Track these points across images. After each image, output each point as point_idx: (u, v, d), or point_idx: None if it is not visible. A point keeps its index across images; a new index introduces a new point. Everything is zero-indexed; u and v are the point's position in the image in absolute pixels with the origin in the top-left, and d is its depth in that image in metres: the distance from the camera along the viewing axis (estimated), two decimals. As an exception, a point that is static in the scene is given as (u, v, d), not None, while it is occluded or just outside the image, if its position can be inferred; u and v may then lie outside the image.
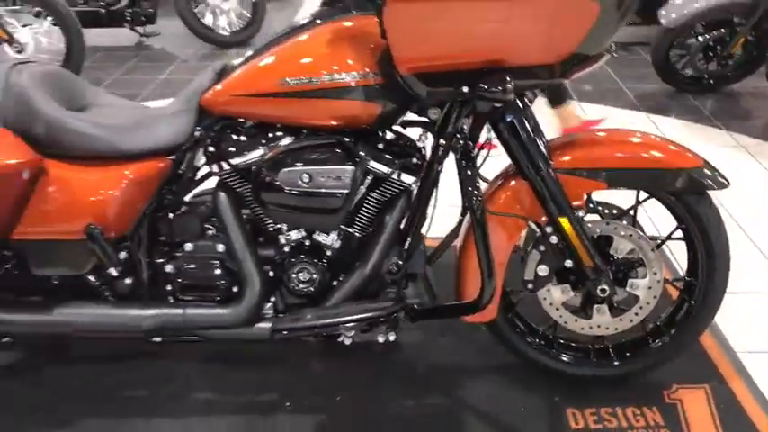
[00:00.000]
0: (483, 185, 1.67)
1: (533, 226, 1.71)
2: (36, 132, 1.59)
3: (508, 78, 1.45)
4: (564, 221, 1.62)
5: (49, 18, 3.94)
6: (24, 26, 3.94)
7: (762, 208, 2.72)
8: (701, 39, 3.75)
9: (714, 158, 2.12)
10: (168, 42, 5.23)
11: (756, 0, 3.49)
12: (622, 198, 1.75)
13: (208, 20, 4.97)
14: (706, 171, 1.65)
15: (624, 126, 3.26)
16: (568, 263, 1.69)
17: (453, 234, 1.81)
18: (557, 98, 3.01)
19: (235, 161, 1.62)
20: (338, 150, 1.59)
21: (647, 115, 3.71)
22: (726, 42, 3.69)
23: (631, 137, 1.72)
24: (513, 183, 1.68)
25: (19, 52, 3.80)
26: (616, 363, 1.85)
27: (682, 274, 1.90)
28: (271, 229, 1.69)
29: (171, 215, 1.74)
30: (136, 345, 1.96)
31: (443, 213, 1.73)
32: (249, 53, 1.63)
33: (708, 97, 3.88)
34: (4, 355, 1.98)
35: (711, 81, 3.91)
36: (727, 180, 1.65)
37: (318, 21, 1.57)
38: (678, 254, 2.15)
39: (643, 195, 1.75)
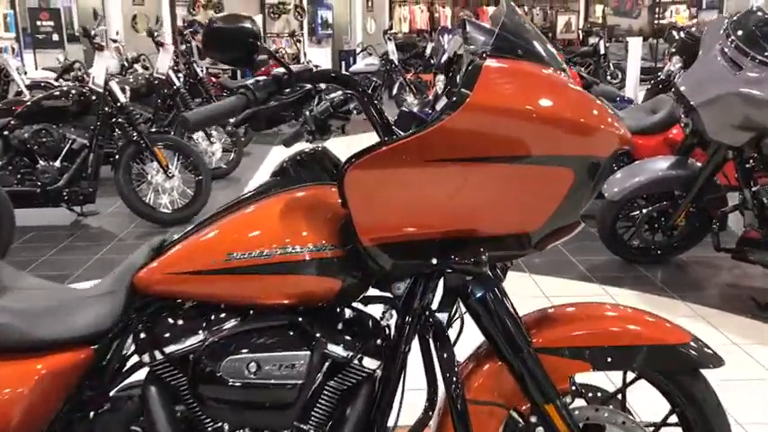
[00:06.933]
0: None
1: (515, 415, 1.50)
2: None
3: (482, 249, 1.32)
4: (550, 409, 1.43)
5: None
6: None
7: (729, 377, 2.59)
8: (644, 211, 3.79)
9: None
10: (106, 221, 5.07)
11: (695, 174, 3.60)
12: (606, 379, 1.57)
13: (149, 198, 4.86)
14: (695, 346, 1.50)
15: (583, 299, 3.17)
16: (558, 457, 1.46)
17: (420, 423, 1.57)
18: None
19: (169, 349, 1.39)
20: (291, 333, 1.38)
21: (601, 287, 3.65)
22: (669, 214, 3.74)
23: (608, 311, 1.59)
24: (488, 365, 1.48)
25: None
26: None
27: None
28: (210, 430, 1.43)
29: (92, 414, 1.46)
30: None
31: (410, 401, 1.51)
32: (189, 228, 1.47)
33: (657, 267, 3.87)
34: None
35: (659, 251, 3.91)
36: (719, 357, 1.50)
37: (269, 192, 1.44)
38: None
39: (631, 376, 1.58)
